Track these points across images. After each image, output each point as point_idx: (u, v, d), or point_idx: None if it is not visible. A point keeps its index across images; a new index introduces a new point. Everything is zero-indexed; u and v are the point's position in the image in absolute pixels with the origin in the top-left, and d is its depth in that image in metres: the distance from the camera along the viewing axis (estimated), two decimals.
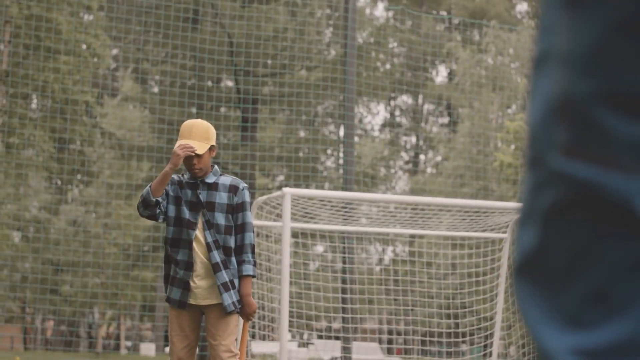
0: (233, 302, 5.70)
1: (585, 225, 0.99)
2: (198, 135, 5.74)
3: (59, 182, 30.16)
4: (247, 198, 5.86)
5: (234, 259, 5.73)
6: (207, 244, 5.70)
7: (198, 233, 5.75)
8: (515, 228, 1.08)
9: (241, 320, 5.97)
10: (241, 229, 5.76)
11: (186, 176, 5.92)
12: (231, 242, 5.74)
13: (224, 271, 5.70)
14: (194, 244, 5.72)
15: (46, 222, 30.56)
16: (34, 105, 25.49)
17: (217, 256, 5.69)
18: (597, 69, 0.98)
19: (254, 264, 5.78)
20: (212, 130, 5.84)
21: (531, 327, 1.03)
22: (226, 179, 5.86)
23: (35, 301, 29.86)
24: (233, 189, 5.80)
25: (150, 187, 5.74)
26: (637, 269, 0.98)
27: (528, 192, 1.05)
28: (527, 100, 1.08)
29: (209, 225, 5.72)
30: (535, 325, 1.03)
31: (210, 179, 5.82)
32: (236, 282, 5.74)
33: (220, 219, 5.73)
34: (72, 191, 34.59)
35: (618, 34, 0.97)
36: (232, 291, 5.71)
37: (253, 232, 5.85)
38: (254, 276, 5.78)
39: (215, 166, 5.92)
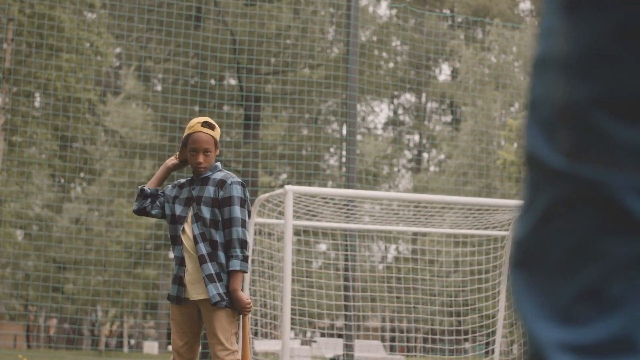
0: (219, 294, 5.63)
1: (583, 223, 1.00)
2: (207, 130, 5.81)
3: (62, 180, 30.20)
4: (237, 193, 5.73)
5: (221, 254, 5.71)
6: (194, 237, 5.72)
7: (186, 227, 5.78)
8: (514, 223, 1.09)
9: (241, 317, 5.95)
10: (228, 223, 5.71)
11: (184, 181, 5.98)
12: (217, 236, 5.73)
13: (209, 263, 5.70)
14: (183, 239, 5.77)
15: (49, 220, 30.59)
16: (37, 104, 25.52)
17: (202, 249, 5.70)
18: (597, 75, 0.99)
19: (243, 259, 5.68)
20: (218, 128, 5.90)
21: (524, 319, 1.04)
22: (219, 174, 5.84)
23: (38, 299, 29.92)
24: (220, 183, 5.77)
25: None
26: (631, 268, 0.99)
27: (527, 188, 1.06)
28: (525, 100, 1.09)
29: (197, 218, 5.75)
30: (528, 317, 1.04)
31: (204, 175, 5.84)
32: (224, 276, 5.71)
33: (206, 212, 5.75)
34: (75, 189, 34.63)
35: (616, 40, 0.98)
36: (217, 283, 5.66)
37: (243, 227, 5.71)
38: (242, 271, 5.68)
39: (218, 163, 5.93)
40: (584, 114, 1.00)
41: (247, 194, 5.87)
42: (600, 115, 0.99)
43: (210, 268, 5.69)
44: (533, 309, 1.03)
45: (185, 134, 5.87)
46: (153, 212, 5.93)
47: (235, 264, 5.67)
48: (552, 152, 1.02)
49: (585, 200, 1.00)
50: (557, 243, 1.02)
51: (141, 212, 5.94)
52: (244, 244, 5.70)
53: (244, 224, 5.73)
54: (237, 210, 5.73)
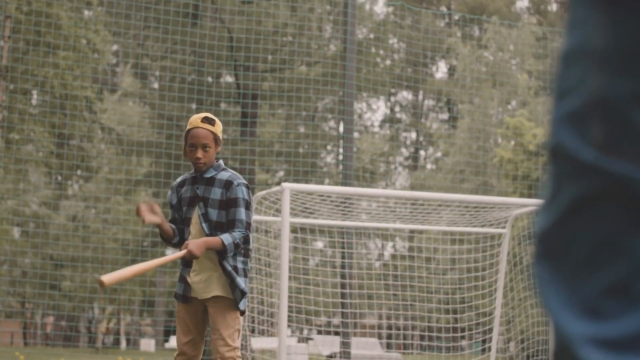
0: (242, 290, 5.67)
1: (613, 217, 1.00)
2: (206, 125, 5.76)
3: (59, 178, 30.18)
4: (243, 195, 5.67)
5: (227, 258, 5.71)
6: (214, 227, 5.70)
7: (193, 228, 5.75)
8: (536, 213, 1.09)
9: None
10: (232, 224, 5.64)
11: (188, 174, 5.93)
12: None
13: (224, 261, 5.70)
14: (189, 239, 5.73)
15: (46, 217, 30.58)
16: (34, 101, 25.50)
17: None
18: (634, 71, 0.99)
19: (235, 244, 5.57)
20: (219, 124, 5.85)
21: (551, 312, 1.04)
22: (224, 174, 5.77)
23: (35, 297, 29.89)
24: (227, 185, 5.71)
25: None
26: None
27: (551, 180, 1.06)
28: (552, 90, 1.08)
29: (205, 219, 5.71)
30: (555, 310, 1.04)
31: (209, 174, 5.77)
32: (239, 268, 5.72)
33: (213, 215, 5.71)
34: (72, 187, 34.61)
35: None
36: (241, 278, 5.69)
37: (246, 230, 5.65)
38: (225, 247, 5.55)
39: (220, 161, 5.88)
40: (619, 108, 0.99)
41: (252, 196, 5.83)
42: (635, 111, 0.99)
43: (227, 264, 5.69)
44: (560, 302, 1.03)
45: (186, 129, 5.83)
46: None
47: (227, 236, 5.60)
48: (582, 145, 1.02)
49: (615, 196, 0.99)
50: (584, 237, 1.02)
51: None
52: (245, 240, 5.68)
53: (248, 227, 5.69)
54: (242, 212, 5.68)
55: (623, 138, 0.99)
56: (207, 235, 5.66)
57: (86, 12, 25.49)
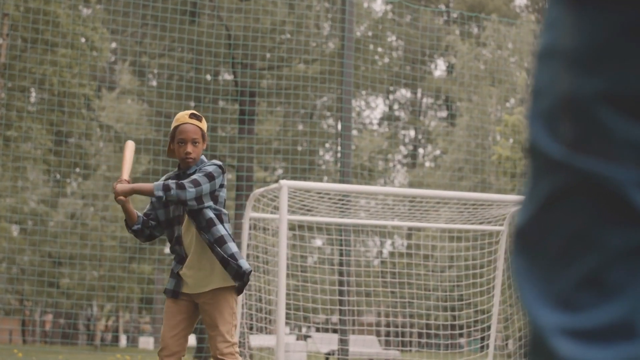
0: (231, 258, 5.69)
1: (584, 212, 1.03)
2: (194, 121, 5.79)
3: (58, 176, 30.17)
4: (210, 168, 5.63)
5: (221, 246, 5.71)
6: (202, 225, 5.71)
7: (184, 227, 5.77)
8: (517, 209, 1.11)
9: (237, 304, 5.95)
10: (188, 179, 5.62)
11: (172, 172, 5.94)
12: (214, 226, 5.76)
13: (230, 243, 5.71)
14: (184, 238, 5.76)
15: (44, 215, 30.57)
16: (32, 99, 25.49)
17: (209, 236, 5.70)
18: (602, 70, 1.01)
19: (165, 185, 5.50)
20: (205, 121, 5.91)
21: (525, 304, 1.07)
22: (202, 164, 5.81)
23: (33, 294, 29.88)
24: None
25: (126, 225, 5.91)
26: (631, 256, 1.01)
27: (528, 177, 1.09)
28: (528, 91, 1.11)
29: (193, 214, 5.73)
30: (529, 303, 1.06)
31: (191, 170, 5.81)
32: (239, 251, 5.74)
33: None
34: (70, 184, 34.60)
35: (623, 36, 1.00)
36: (237, 261, 5.68)
37: (191, 184, 5.53)
38: (154, 191, 5.51)
39: (203, 157, 5.89)
40: (587, 107, 1.02)
41: (222, 176, 5.70)
42: (603, 109, 1.01)
43: (220, 252, 5.69)
44: (534, 294, 1.06)
45: (172, 126, 5.85)
46: (157, 233, 5.93)
47: (159, 184, 5.55)
48: (553, 142, 1.05)
49: (585, 191, 1.02)
50: (557, 231, 1.05)
51: (150, 239, 5.97)
52: (181, 187, 5.53)
53: (195, 184, 5.55)
54: (198, 175, 5.60)
55: (591, 136, 1.02)
56: (199, 232, 5.69)
57: (84, 10, 25.47)
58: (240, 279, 5.69)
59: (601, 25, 1.00)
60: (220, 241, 5.70)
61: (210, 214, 5.71)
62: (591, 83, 1.01)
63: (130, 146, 5.97)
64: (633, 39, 0.99)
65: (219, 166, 5.72)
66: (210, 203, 5.69)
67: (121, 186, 5.53)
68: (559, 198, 1.04)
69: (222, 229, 5.71)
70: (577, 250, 1.03)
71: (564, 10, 1.04)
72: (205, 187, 5.61)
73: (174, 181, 5.61)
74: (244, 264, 5.72)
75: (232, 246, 5.71)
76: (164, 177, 5.94)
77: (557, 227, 1.05)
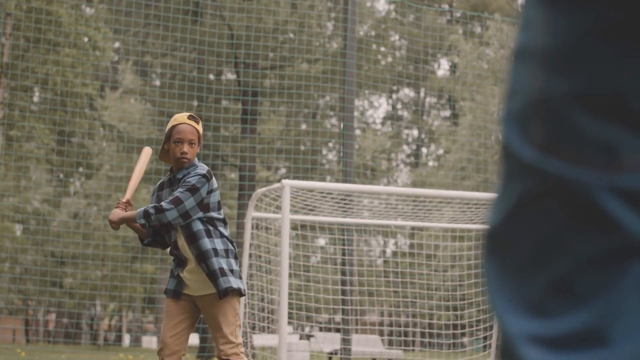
0: (226, 289, 5.69)
1: (554, 217, 1.01)
2: (192, 122, 5.84)
3: (61, 175, 30.19)
4: (193, 180, 5.64)
5: (205, 261, 5.71)
6: (196, 233, 5.72)
7: (180, 229, 5.78)
8: (488, 212, 1.10)
9: (241, 305, 5.96)
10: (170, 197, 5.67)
11: (165, 177, 5.97)
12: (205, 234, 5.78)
13: (213, 259, 5.71)
14: (179, 242, 5.79)
15: (48, 214, 30.59)
16: (35, 98, 25.50)
17: (207, 243, 5.70)
18: (574, 70, 1.00)
19: (145, 211, 5.59)
20: (201, 124, 5.95)
21: (496, 309, 1.05)
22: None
23: (36, 294, 29.92)
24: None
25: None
26: (601, 264, 0.99)
27: (501, 179, 1.08)
28: (503, 91, 1.10)
29: (180, 226, 5.76)
30: (499, 308, 1.05)
31: (180, 174, 5.81)
32: (225, 267, 5.73)
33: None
34: (73, 184, 34.62)
35: (596, 36, 0.98)
36: (229, 277, 5.70)
37: (170, 204, 5.59)
38: (137, 220, 5.64)
39: (196, 159, 5.89)
40: (559, 108, 1.00)
41: (206, 185, 5.70)
42: (575, 110, 0.99)
43: (221, 262, 5.70)
44: (505, 300, 1.04)
45: (169, 126, 5.87)
46: (171, 238, 5.96)
47: (140, 211, 5.62)
48: (524, 144, 1.03)
49: (554, 195, 1.00)
50: (527, 236, 1.03)
51: (167, 246, 6.01)
52: (159, 211, 5.59)
53: (176, 203, 5.59)
54: (179, 191, 5.64)
55: (562, 138, 1.00)
56: (187, 244, 5.72)
57: (87, 10, 25.49)
58: (224, 296, 5.68)
59: (573, 25, 0.99)
60: (204, 256, 5.69)
61: (199, 225, 5.70)
62: (563, 84, 1.00)
63: (145, 156, 6.04)
64: (605, 39, 0.98)
65: (203, 175, 5.70)
66: (200, 214, 5.69)
67: (113, 216, 5.67)
68: (530, 202, 1.02)
69: (206, 243, 5.68)
70: (547, 256, 1.01)
71: (538, 10, 1.03)
72: (189, 202, 5.62)
73: (152, 205, 5.65)
74: (231, 281, 5.69)
75: (216, 262, 5.68)
76: (158, 184, 6.00)
77: (527, 231, 1.03)
